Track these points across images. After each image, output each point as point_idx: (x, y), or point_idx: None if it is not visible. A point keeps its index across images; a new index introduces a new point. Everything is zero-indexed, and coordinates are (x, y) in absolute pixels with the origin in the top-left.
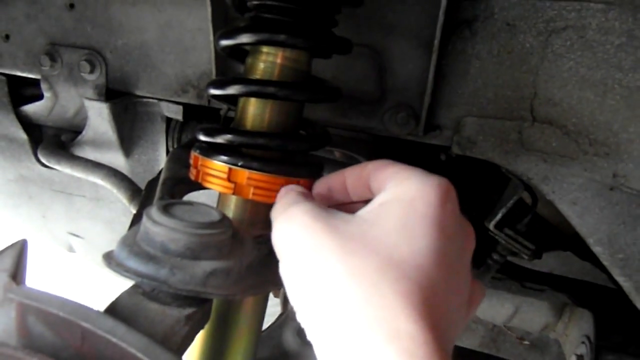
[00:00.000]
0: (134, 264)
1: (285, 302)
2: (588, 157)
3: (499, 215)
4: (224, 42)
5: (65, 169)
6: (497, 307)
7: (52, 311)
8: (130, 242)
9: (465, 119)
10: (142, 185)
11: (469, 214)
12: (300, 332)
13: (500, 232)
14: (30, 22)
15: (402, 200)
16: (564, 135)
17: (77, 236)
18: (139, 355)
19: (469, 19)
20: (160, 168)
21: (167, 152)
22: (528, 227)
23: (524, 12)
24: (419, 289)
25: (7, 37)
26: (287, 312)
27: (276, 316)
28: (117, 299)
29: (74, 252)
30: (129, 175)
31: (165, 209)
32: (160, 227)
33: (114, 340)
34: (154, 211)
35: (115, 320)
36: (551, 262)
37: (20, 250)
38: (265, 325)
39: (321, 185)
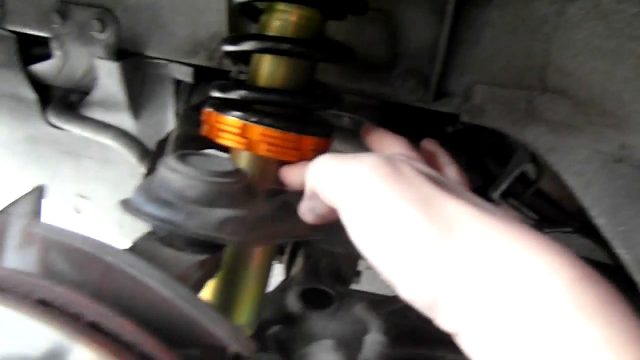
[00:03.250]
0: (151, 208)
1: (288, 268)
2: (596, 128)
3: (504, 185)
4: None
5: (74, 130)
6: None
7: (76, 246)
8: (147, 189)
9: (475, 87)
10: (149, 147)
11: (474, 184)
12: (301, 296)
13: (505, 202)
14: None
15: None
16: (574, 105)
17: (84, 197)
18: (160, 288)
19: None
20: (168, 130)
21: (176, 114)
22: (532, 199)
23: None
24: None
25: None
26: (290, 277)
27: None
28: (133, 245)
29: (81, 213)
30: (137, 137)
31: (182, 158)
32: (177, 174)
33: (135, 274)
34: (170, 160)
35: (137, 256)
36: None
37: (38, 195)
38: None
39: None
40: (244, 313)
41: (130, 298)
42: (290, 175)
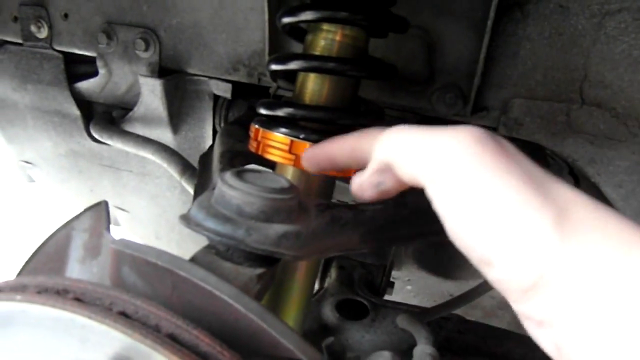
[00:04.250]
0: (212, 224)
1: (322, 279)
2: (637, 140)
3: None
4: (286, 20)
5: (117, 144)
6: None
7: (148, 259)
8: (207, 205)
9: (513, 100)
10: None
11: None
12: (337, 307)
13: None
14: (88, 1)
15: None
16: (613, 117)
17: (123, 210)
18: (230, 301)
19: (521, 1)
20: (206, 145)
21: (214, 129)
22: None
23: None
24: None
25: (66, 15)
26: (325, 288)
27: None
28: (192, 258)
29: (119, 225)
30: (177, 151)
31: (239, 175)
32: (236, 191)
33: (207, 287)
34: (228, 177)
35: (207, 270)
36: None
37: (99, 210)
38: None
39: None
40: (290, 321)
41: (200, 310)
42: (359, 145)
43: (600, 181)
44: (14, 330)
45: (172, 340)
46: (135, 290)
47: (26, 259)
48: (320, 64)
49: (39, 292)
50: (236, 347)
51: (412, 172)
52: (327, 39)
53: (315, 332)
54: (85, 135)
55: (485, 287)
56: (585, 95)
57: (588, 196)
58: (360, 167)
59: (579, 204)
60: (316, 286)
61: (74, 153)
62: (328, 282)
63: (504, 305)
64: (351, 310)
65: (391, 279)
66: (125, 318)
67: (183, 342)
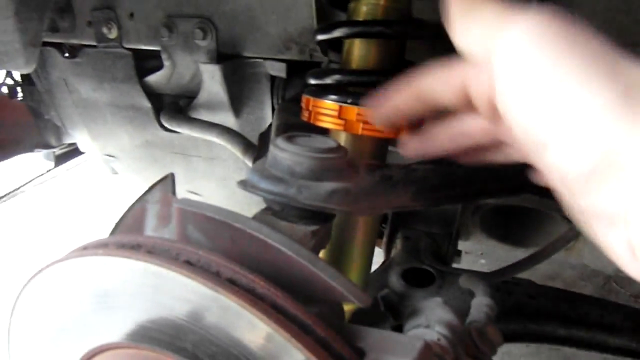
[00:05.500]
0: (265, 185)
1: (387, 250)
2: None
3: None
4: None
5: (184, 131)
6: None
7: (208, 214)
8: (261, 169)
9: None
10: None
11: None
12: (403, 275)
13: None
14: None
15: None
16: None
17: (195, 194)
18: (282, 248)
19: None
20: (266, 125)
21: (273, 110)
22: None
23: None
24: None
25: (131, 15)
26: (391, 258)
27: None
28: (252, 218)
29: None
30: (240, 133)
31: (290, 139)
32: (286, 153)
33: (261, 237)
34: (280, 141)
35: (259, 222)
36: None
37: (168, 183)
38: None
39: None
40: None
41: (257, 259)
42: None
43: None
44: (97, 279)
45: (231, 284)
46: (199, 244)
47: (109, 232)
48: (363, 29)
49: (117, 248)
50: (291, 293)
51: (462, 84)
52: (370, 4)
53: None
54: (157, 125)
55: (551, 248)
56: None
57: None
58: (429, 111)
59: None
60: (383, 257)
61: (148, 143)
62: (394, 252)
63: (586, 276)
64: (418, 279)
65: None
66: (190, 265)
67: (241, 285)
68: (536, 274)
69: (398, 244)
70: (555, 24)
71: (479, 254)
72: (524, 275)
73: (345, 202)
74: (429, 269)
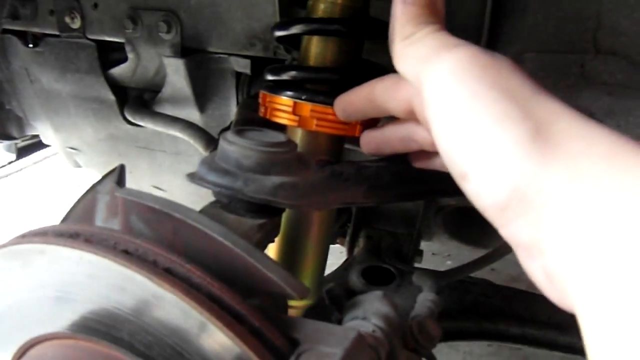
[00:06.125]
0: (213, 177)
1: (350, 249)
2: None
3: None
4: None
5: (148, 125)
6: None
7: (149, 205)
8: (210, 161)
9: (525, 55)
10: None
11: None
12: (363, 273)
13: None
14: None
15: None
16: (629, 65)
17: (160, 189)
18: (219, 238)
19: None
20: (231, 121)
21: (237, 105)
22: None
23: None
24: None
25: (95, 5)
26: (352, 257)
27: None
28: (200, 211)
29: None
30: (204, 128)
31: (239, 133)
32: (234, 146)
33: (200, 227)
34: (229, 134)
35: (200, 213)
36: None
37: (118, 174)
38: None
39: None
40: (307, 280)
41: (199, 250)
42: (374, 91)
43: (620, 132)
44: (33, 267)
45: (167, 273)
46: (141, 234)
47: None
48: (319, 26)
49: (55, 236)
50: (233, 285)
51: (408, 99)
52: (327, 2)
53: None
54: (121, 119)
55: (505, 249)
56: (600, 44)
57: (576, 111)
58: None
59: (562, 116)
60: (345, 256)
61: (113, 137)
62: (356, 251)
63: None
64: (378, 277)
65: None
66: (126, 254)
67: (177, 274)
68: (500, 275)
69: (360, 243)
70: (480, 61)
71: (445, 255)
72: (490, 278)
73: (292, 196)
74: (389, 267)
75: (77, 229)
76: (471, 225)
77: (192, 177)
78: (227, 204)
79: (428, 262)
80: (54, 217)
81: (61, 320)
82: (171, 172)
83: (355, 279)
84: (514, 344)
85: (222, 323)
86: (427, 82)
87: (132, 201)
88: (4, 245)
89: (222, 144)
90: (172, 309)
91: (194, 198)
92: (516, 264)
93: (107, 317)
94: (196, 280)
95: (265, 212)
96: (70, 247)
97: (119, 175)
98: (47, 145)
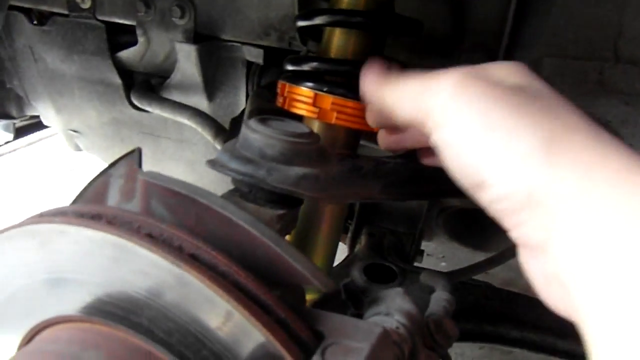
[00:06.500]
0: (235, 165)
1: (352, 246)
2: None
3: None
4: None
5: (155, 110)
6: None
7: (173, 188)
8: (231, 149)
9: (543, 59)
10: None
11: None
12: (365, 270)
13: None
14: None
15: None
16: None
17: None
18: (246, 226)
19: None
20: (240, 110)
21: (247, 96)
22: None
23: None
24: None
25: None
26: (354, 253)
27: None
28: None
29: None
30: (212, 116)
31: (262, 121)
32: (258, 134)
33: (226, 214)
34: (252, 122)
35: (225, 200)
36: None
37: (134, 157)
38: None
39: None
40: None
41: (222, 237)
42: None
43: (634, 142)
44: (54, 248)
45: (193, 259)
46: (163, 218)
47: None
48: (345, 18)
49: (75, 217)
50: (254, 272)
51: (411, 121)
52: None
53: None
54: (127, 103)
55: (508, 254)
56: (620, 52)
57: (591, 122)
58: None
59: (576, 127)
60: (346, 252)
61: (117, 121)
62: (358, 248)
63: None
64: (380, 275)
65: (426, 254)
66: (151, 238)
67: (203, 261)
68: (494, 279)
69: (362, 240)
70: (477, 80)
71: (440, 256)
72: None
73: (313, 188)
74: (392, 265)
75: (99, 210)
76: (471, 228)
77: (213, 163)
78: (246, 192)
79: (422, 262)
80: (46, 200)
81: (76, 303)
82: (174, 159)
83: (357, 276)
84: (513, 347)
85: (249, 312)
86: (433, 112)
87: (155, 184)
88: (22, 225)
89: (245, 132)
90: (197, 296)
91: None
92: (510, 269)
93: (126, 301)
94: (222, 267)
95: (285, 203)
96: (93, 229)
97: (138, 158)
98: (45, 127)
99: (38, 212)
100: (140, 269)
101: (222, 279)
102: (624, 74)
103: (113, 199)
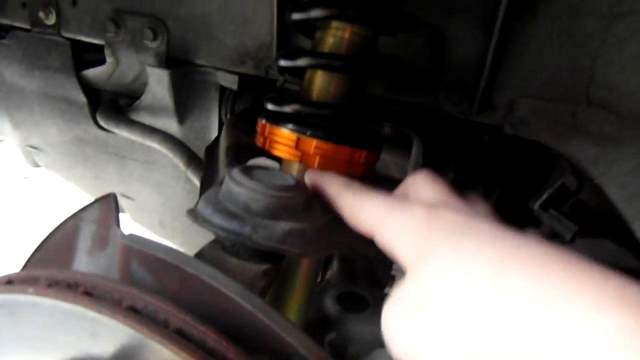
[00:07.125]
0: (219, 220)
1: (324, 270)
2: None
3: (545, 196)
4: (296, 16)
5: (123, 133)
6: None
7: (158, 256)
8: (214, 201)
9: (519, 100)
10: (195, 152)
11: (513, 194)
12: (339, 299)
13: (545, 213)
14: None
15: None
16: (618, 119)
17: (128, 197)
18: (237, 299)
19: (530, 1)
20: (211, 136)
21: (220, 121)
22: (571, 209)
23: None
24: None
25: (74, 3)
26: (326, 280)
27: None
28: (199, 253)
29: (124, 212)
30: (183, 141)
31: (247, 172)
32: (243, 188)
33: (214, 284)
34: (236, 173)
35: (214, 268)
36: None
37: (108, 202)
38: None
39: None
40: (292, 316)
41: (207, 306)
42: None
43: (602, 182)
44: (26, 322)
45: (179, 336)
46: (144, 285)
47: (34, 249)
48: (328, 62)
49: (49, 285)
50: (241, 342)
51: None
52: (336, 36)
53: (316, 324)
54: (92, 122)
55: None
56: (592, 96)
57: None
58: None
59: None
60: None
61: (80, 140)
62: (330, 274)
63: None
64: (352, 302)
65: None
66: (135, 313)
67: (191, 337)
68: None
69: (334, 265)
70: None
71: None
72: None
73: (300, 244)
74: (364, 293)
75: (76, 278)
76: None
77: (195, 216)
78: (229, 247)
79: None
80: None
81: None
82: (141, 181)
83: (330, 305)
84: None
85: None
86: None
87: (136, 249)
88: None
89: (229, 184)
90: None
91: (165, 209)
92: None
93: None
94: (212, 344)
95: (270, 258)
96: (70, 302)
97: (115, 210)
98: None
99: (5, 275)
100: (124, 346)
101: (211, 357)
102: (595, 116)
103: (84, 245)
